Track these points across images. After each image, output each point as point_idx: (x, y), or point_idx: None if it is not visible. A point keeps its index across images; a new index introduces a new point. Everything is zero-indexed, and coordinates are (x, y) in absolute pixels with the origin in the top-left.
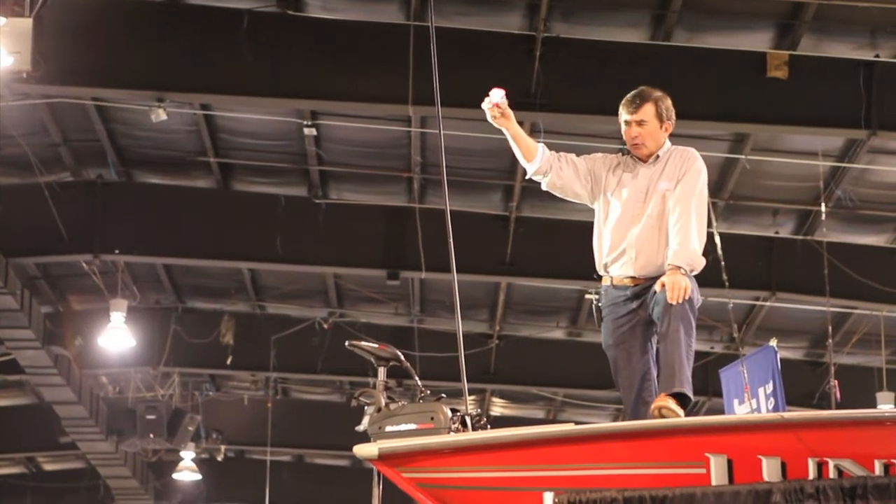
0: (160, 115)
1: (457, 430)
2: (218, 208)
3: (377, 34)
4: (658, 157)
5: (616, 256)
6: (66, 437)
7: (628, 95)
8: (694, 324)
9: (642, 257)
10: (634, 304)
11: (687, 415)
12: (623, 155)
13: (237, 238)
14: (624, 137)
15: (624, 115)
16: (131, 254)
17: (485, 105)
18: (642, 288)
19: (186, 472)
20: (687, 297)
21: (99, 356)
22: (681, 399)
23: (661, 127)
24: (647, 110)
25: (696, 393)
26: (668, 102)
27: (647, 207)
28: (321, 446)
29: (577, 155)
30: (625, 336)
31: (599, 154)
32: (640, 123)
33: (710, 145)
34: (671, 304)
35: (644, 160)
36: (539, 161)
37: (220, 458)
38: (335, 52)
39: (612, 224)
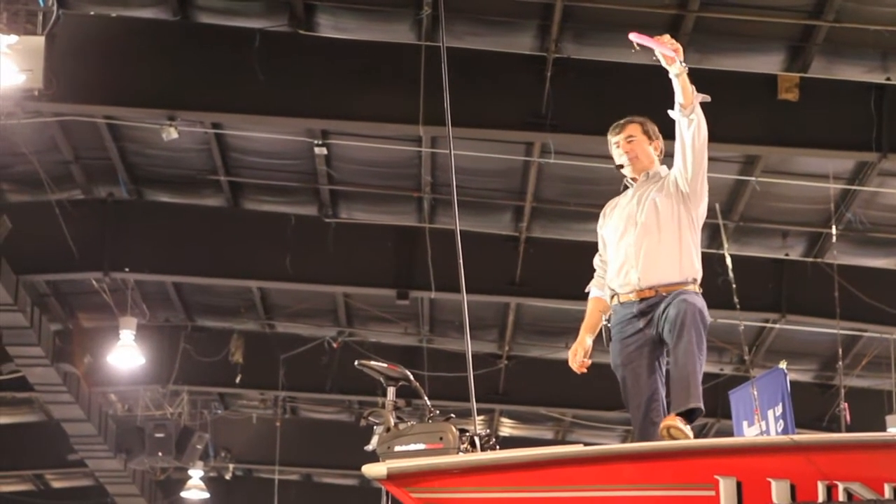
0: (171, 133)
1: (466, 451)
2: (228, 227)
3: (388, 54)
4: (649, 174)
5: (618, 270)
6: (74, 454)
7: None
8: (705, 339)
9: (643, 263)
10: (641, 323)
11: (696, 437)
12: (621, 192)
13: (247, 257)
14: (617, 163)
15: (612, 138)
16: (141, 272)
17: (575, 365)
18: (648, 305)
19: (195, 490)
20: (699, 313)
21: (108, 374)
22: (691, 414)
23: (649, 143)
24: (633, 128)
25: (705, 414)
26: (653, 124)
27: (642, 216)
28: (330, 465)
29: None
30: (632, 356)
31: (600, 214)
32: (628, 140)
33: (720, 167)
34: (683, 319)
35: (637, 179)
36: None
37: (228, 477)
38: (346, 72)
39: (613, 244)
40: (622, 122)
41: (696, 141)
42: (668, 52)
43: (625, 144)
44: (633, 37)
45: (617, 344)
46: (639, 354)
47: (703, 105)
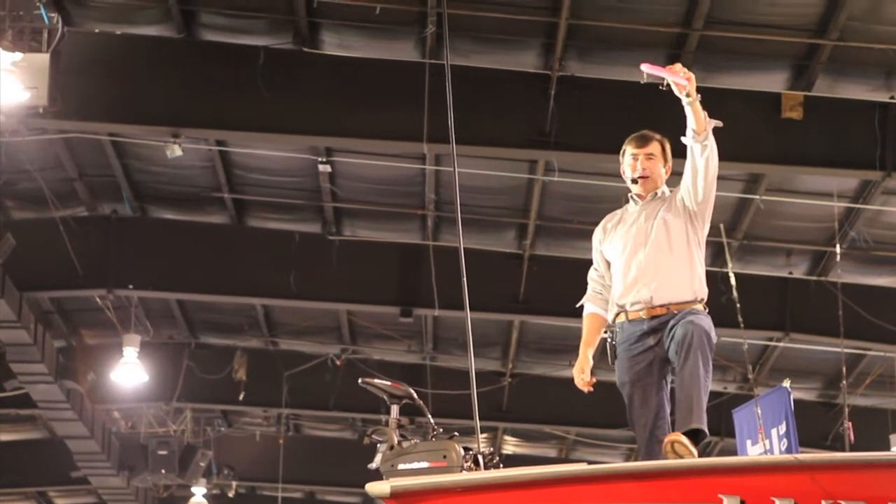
0: (175, 150)
1: (469, 469)
2: (232, 244)
3: (393, 72)
4: (657, 194)
5: (628, 288)
6: (77, 471)
7: (633, 135)
8: (711, 360)
9: (656, 281)
10: (651, 341)
11: (700, 455)
12: (624, 204)
13: (251, 274)
14: (626, 174)
15: (631, 150)
16: (145, 289)
17: (582, 383)
18: (659, 322)
19: None
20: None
21: (111, 391)
22: (696, 434)
23: (664, 164)
24: (655, 146)
25: (709, 433)
26: (668, 145)
27: (651, 234)
28: (333, 483)
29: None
30: (641, 374)
31: (597, 227)
32: (648, 157)
33: (724, 185)
34: (690, 340)
35: (644, 197)
36: (607, 315)
37: (231, 495)
38: (351, 90)
39: (620, 261)
40: (646, 135)
41: (709, 168)
42: (680, 81)
43: (644, 161)
44: (645, 67)
45: (625, 361)
46: (648, 372)
47: None
